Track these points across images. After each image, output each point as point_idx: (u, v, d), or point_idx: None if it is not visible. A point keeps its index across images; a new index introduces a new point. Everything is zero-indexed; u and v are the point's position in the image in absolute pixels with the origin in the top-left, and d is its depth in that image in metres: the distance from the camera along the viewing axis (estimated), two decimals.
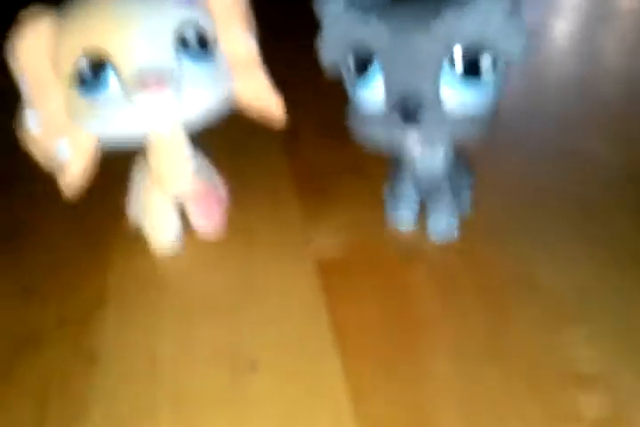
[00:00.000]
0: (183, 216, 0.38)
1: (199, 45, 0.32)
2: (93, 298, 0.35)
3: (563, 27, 0.69)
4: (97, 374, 0.29)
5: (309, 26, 0.32)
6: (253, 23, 0.36)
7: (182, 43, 0.31)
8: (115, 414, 0.27)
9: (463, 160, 0.36)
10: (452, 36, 0.28)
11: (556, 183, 0.40)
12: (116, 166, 0.37)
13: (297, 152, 0.47)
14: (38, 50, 0.32)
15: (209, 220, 0.39)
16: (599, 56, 0.61)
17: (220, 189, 0.39)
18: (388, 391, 0.27)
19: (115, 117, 0.31)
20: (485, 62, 0.28)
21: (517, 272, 0.33)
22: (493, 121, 0.30)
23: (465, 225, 0.36)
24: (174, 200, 0.37)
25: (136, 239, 0.38)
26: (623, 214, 0.37)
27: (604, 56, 0.62)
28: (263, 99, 0.37)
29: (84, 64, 0.31)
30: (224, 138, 0.37)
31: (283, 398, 0.27)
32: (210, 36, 0.33)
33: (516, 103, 0.49)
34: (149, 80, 0.30)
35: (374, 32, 0.29)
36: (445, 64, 0.28)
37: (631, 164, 0.41)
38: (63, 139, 0.34)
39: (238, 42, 0.35)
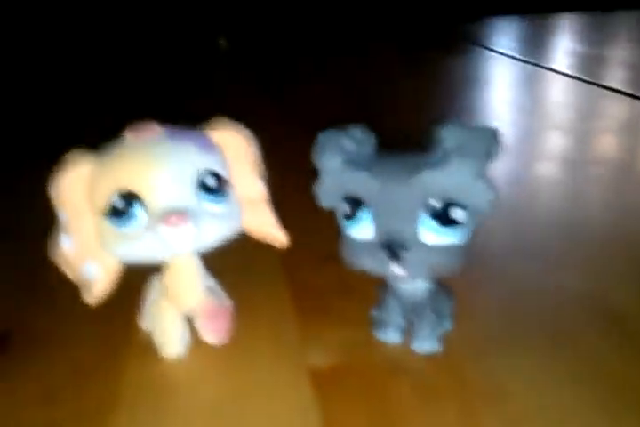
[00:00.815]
0: (191, 328, 0.43)
1: (216, 187, 0.38)
2: (107, 401, 0.38)
3: (546, 169, 0.77)
4: None
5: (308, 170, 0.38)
6: (262, 167, 0.42)
7: (201, 185, 0.37)
8: None
9: (443, 286, 0.41)
10: (428, 191, 0.33)
11: (532, 313, 0.45)
12: (131, 281, 0.41)
13: (296, 274, 0.52)
14: (77, 187, 0.37)
15: (217, 334, 0.43)
16: (580, 198, 0.68)
17: (227, 306, 0.44)
18: None
19: (139, 245, 0.36)
20: (457, 213, 0.34)
21: (489, 384, 0.38)
22: (469, 255, 0.35)
23: (446, 342, 0.41)
24: (184, 315, 0.42)
25: (147, 348, 0.42)
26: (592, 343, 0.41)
27: (586, 198, 0.68)
28: (269, 231, 0.43)
29: (116, 200, 0.36)
30: (226, 260, 0.42)
31: None
32: (225, 178, 0.38)
33: (499, 238, 0.54)
34: (172, 216, 0.35)
35: (364, 184, 0.35)
36: (423, 212, 0.34)
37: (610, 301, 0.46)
38: (92, 260, 0.39)
39: (249, 184, 0.41)
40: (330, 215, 0.39)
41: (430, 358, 0.40)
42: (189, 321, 0.43)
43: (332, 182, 0.37)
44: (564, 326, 0.43)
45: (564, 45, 1.89)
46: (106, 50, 1.96)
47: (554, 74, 1.36)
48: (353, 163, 0.36)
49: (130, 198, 0.36)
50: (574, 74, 1.32)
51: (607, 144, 0.89)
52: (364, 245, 0.36)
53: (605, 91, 1.16)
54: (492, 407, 0.36)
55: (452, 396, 0.37)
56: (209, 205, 0.37)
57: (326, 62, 1.67)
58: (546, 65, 1.44)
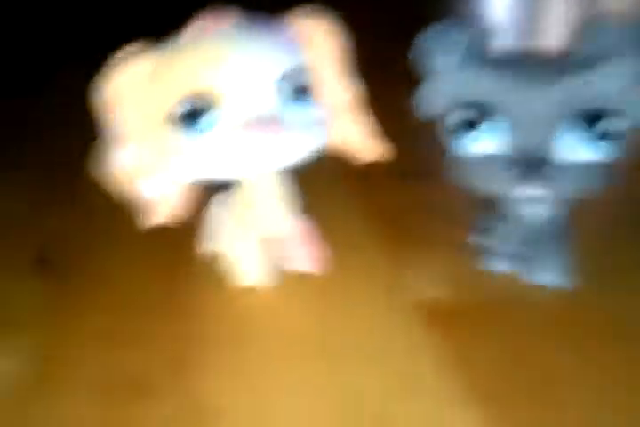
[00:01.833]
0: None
1: (301, 90, 0.31)
2: (189, 339, 0.34)
3: None
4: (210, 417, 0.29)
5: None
6: (354, 69, 0.35)
7: (285, 87, 0.31)
8: None
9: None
10: (576, 97, 0.28)
11: None
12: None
13: (374, 194, 0.46)
14: (136, 88, 0.31)
15: (314, 260, 0.38)
16: None
17: (315, 230, 0.39)
18: None
19: (214, 157, 0.31)
20: (610, 124, 0.28)
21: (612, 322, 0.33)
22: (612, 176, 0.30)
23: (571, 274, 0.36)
24: (263, 240, 0.37)
25: (218, 277, 0.38)
26: None
27: None
28: (360, 142, 0.36)
29: (185, 103, 0.30)
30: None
31: None
32: (311, 82, 0.32)
33: None
34: (258, 123, 0.29)
35: (494, 88, 0.29)
36: (569, 123, 0.28)
37: None
38: (154, 177, 0.33)
39: (338, 87, 0.34)
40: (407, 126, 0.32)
41: (554, 291, 0.35)
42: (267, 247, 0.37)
43: (445, 86, 0.31)
44: None
45: None
46: None
47: None
48: (473, 62, 0.30)
49: (202, 101, 0.30)
50: None
51: None
52: (486, 162, 0.30)
53: None
54: (626, 349, 0.31)
55: (581, 335, 0.32)
56: (294, 112, 0.31)
57: None
58: None
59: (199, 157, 0.31)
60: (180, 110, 0.30)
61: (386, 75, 0.47)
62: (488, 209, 0.36)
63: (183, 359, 0.33)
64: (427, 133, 0.33)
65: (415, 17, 0.37)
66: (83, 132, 0.38)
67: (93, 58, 0.34)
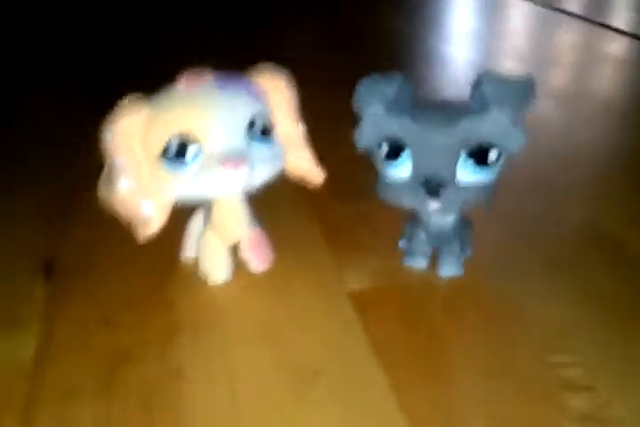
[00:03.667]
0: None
1: (264, 130, 0.41)
2: (169, 325, 0.43)
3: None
4: (184, 385, 0.38)
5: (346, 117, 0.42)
6: (300, 113, 0.45)
7: (252, 129, 0.40)
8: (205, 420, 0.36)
9: (464, 217, 0.46)
10: (467, 135, 0.37)
11: (535, 240, 0.51)
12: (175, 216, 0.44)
13: (322, 211, 0.57)
14: (134, 131, 0.39)
15: (262, 261, 0.47)
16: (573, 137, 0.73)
17: (266, 237, 0.48)
18: (424, 390, 0.36)
19: (195, 185, 0.40)
20: (492, 155, 0.38)
21: (502, 302, 0.44)
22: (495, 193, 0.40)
23: (467, 266, 0.46)
24: (229, 246, 0.46)
25: (194, 276, 0.47)
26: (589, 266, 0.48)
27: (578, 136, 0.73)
28: (307, 170, 0.46)
29: (172, 143, 0.39)
30: (253, 199, 0.46)
31: (341, 403, 0.36)
32: (271, 122, 0.42)
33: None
34: (231, 159, 0.39)
35: (407, 129, 0.38)
36: (462, 154, 0.38)
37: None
38: (148, 200, 0.42)
39: (290, 126, 0.44)
40: (349, 156, 0.43)
41: (453, 280, 0.46)
42: (233, 252, 0.47)
43: (373, 126, 0.40)
44: (564, 252, 0.50)
45: None
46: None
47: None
48: (394, 108, 0.40)
49: (186, 142, 0.38)
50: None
51: (595, 79, 0.94)
52: (402, 184, 0.40)
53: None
54: (507, 321, 0.42)
55: (478, 315, 0.43)
56: (258, 148, 0.40)
57: None
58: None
59: (183, 184, 0.40)
60: (169, 148, 0.39)
61: (333, 115, 0.57)
62: (410, 219, 0.46)
63: (168, 342, 0.41)
64: (364, 161, 0.43)
65: (352, 72, 0.48)
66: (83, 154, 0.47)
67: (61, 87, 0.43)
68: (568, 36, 1.14)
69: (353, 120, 0.42)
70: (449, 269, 0.46)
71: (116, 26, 1.34)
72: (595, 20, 1.17)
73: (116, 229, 0.43)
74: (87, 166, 0.46)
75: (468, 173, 0.38)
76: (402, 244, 0.48)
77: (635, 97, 0.87)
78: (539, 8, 1.33)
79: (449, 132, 0.38)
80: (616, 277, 0.46)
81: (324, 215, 0.56)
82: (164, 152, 0.39)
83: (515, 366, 0.38)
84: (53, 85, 0.95)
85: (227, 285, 0.47)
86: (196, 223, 0.47)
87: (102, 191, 0.43)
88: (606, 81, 0.94)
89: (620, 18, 1.25)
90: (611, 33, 1.11)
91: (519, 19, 1.33)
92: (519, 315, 0.43)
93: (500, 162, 0.39)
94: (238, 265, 0.47)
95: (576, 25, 1.18)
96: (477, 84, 0.39)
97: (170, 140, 0.39)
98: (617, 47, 1.05)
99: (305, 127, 0.46)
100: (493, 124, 0.38)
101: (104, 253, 0.51)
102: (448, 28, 1.30)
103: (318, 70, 0.95)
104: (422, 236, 0.45)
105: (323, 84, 0.84)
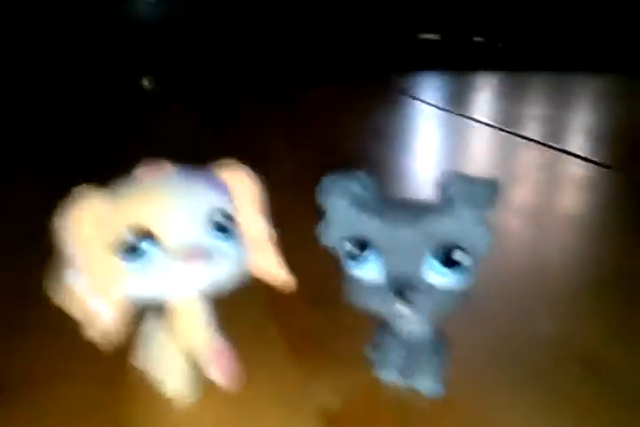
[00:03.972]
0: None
1: (226, 225, 0.39)
2: None
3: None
4: None
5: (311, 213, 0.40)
6: (266, 209, 0.43)
7: (213, 223, 0.38)
8: None
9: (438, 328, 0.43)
10: (433, 234, 0.36)
11: (510, 353, 0.49)
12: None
13: (285, 316, 0.54)
14: (89, 222, 0.37)
15: (226, 375, 0.43)
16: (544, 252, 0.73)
17: (231, 346, 0.44)
18: None
19: (151, 281, 0.37)
20: (459, 255, 0.36)
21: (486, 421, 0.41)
22: (469, 297, 0.38)
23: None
24: (187, 355, 0.42)
25: (145, 387, 0.42)
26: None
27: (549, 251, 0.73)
28: (274, 272, 0.44)
29: (128, 236, 0.36)
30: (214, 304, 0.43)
31: None
32: (234, 217, 0.40)
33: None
34: (190, 253, 0.36)
35: (372, 227, 0.37)
36: (428, 254, 0.36)
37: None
38: (100, 296, 0.38)
39: (255, 223, 0.43)
40: (313, 256, 0.40)
41: (427, 396, 0.42)
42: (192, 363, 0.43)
43: (337, 223, 0.39)
44: (540, 366, 0.47)
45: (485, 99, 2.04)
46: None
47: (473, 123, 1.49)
48: (359, 205, 0.38)
49: (143, 235, 0.36)
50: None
51: (557, 196, 0.96)
52: (370, 286, 0.38)
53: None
54: None
55: None
56: (219, 243, 0.38)
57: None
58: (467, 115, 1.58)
59: (138, 280, 0.37)
60: (122, 241, 0.36)
61: (295, 215, 0.55)
62: (380, 326, 0.43)
63: None
64: (331, 261, 0.40)
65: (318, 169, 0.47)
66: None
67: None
68: (529, 158, 1.18)
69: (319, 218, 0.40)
70: (427, 384, 0.42)
71: (82, 120, 1.37)
72: (553, 145, 1.23)
73: (67, 335, 0.40)
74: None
75: (436, 275, 0.37)
76: (368, 352, 0.44)
77: (594, 211, 0.89)
78: (500, 132, 1.39)
79: (414, 229, 0.36)
80: (591, 393, 0.44)
81: (292, 322, 0.53)
82: (119, 245, 0.37)
83: None
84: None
85: (185, 400, 0.42)
86: (150, 327, 0.43)
87: (51, 285, 0.39)
88: (567, 198, 0.96)
89: (576, 144, 1.31)
90: (570, 157, 1.15)
91: (481, 141, 1.39)
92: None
93: (469, 265, 0.37)
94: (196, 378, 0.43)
95: (536, 148, 1.23)
96: (443, 183, 0.39)
97: (125, 231, 0.37)
98: (574, 169, 1.09)
99: (272, 227, 0.44)
100: (459, 222, 0.36)
101: (53, 363, 0.47)
102: (412, 146, 1.34)
103: (286, 167, 0.95)
104: (394, 345, 0.42)
105: (290, 181, 0.84)
